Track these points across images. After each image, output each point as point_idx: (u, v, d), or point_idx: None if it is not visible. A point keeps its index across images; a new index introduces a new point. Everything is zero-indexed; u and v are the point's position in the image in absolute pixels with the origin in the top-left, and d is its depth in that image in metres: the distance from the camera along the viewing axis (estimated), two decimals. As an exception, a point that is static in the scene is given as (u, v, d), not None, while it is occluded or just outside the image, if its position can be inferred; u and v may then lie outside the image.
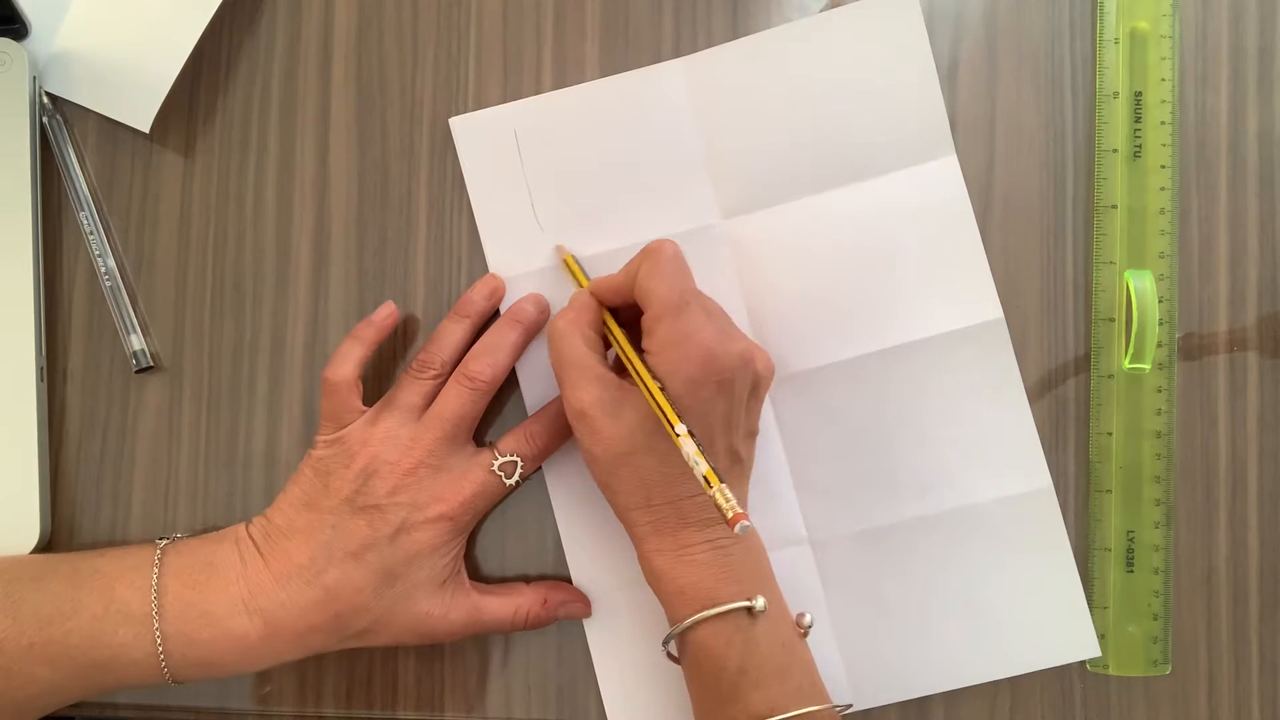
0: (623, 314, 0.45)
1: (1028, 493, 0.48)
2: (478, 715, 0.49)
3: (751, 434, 0.44)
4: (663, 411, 0.40)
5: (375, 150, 0.50)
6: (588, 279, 0.47)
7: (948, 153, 0.49)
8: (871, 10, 0.49)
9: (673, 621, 0.42)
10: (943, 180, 0.49)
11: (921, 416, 0.48)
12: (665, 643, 0.43)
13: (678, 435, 0.39)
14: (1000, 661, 0.48)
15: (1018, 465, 0.48)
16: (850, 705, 0.46)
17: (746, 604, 0.41)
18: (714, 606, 0.41)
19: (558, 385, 0.43)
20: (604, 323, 0.45)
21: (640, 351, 0.43)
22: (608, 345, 0.45)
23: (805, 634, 0.43)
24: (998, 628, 0.48)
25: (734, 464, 0.43)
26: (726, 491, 0.37)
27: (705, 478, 0.38)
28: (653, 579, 0.43)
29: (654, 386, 0.41)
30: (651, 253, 0.43)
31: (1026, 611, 0.48)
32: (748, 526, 0.37)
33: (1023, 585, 0.48)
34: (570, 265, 0.48)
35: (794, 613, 0.43)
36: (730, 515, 0.37)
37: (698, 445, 0.39)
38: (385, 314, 0.47)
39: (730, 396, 0.42)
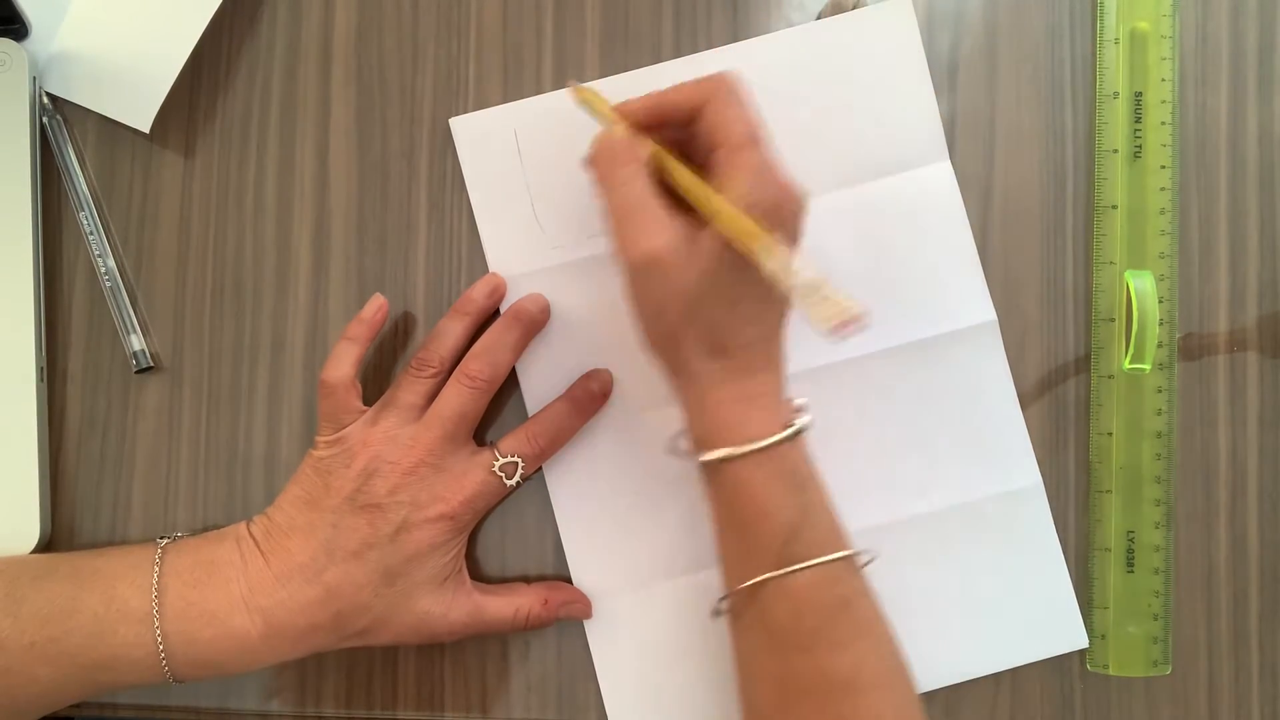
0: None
1: (1019, 489, 0.48)
2: (477, 715, 0.49)
3: None
4: (746, 232, 0.38)
5: (375, 150, 0.50)
6: (613, 114, 0.43)
7: (942, 158, 0.49)
8: (868, 16, 0.49)
9: (721, 473, 0.40)
10: (937, 185, 0.49)
11: (917, 417, 0.48)
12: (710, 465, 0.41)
13: (767, 251, 0.37)
14: (993, 656, 0.48)
15: (1009, 463, 0.49)
16: (874, 557, 0.43)
17: (792, 429, 0.40)
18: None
19: (613, 233, 0.40)
20: (655, 156, 0.42)
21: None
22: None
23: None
24: (990, 622, 0.48)
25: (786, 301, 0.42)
26: (836, 290, 0.36)
27: (810, 284, 0.36)
28: (717, 432, 0.40)
29: (734, 210, 0.38)
30: (723, 80, 0.41)
31: (1018, 606, 0.48)
32: (864, 312, 0.36)
33: (1014, 580, 0.48)
34: (590, 98, 0.44)
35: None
36: (855, 311, 0.35)
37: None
38: (375, 309, 0.47)
39: (796, 235, 0.41)
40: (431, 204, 0.50)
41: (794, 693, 0.40)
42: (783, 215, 0.40)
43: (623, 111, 0.43)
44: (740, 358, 0.40)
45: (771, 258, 0.37)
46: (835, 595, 0.40)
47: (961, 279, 0.49)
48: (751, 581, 0.40)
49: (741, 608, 0.41)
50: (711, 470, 0.41)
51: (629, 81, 0.49)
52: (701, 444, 0.41)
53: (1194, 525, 0.49)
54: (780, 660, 0.40)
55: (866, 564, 0.42)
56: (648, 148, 0.42)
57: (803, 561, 0.39)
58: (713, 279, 0.39)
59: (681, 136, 0.43)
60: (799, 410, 0.42)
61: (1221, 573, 0.49)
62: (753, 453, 0.39)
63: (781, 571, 0.39)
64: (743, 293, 0.40)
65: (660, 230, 0.39)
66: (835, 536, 0.41)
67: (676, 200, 0.41)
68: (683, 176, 0.41)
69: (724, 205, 0.39)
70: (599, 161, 0.42)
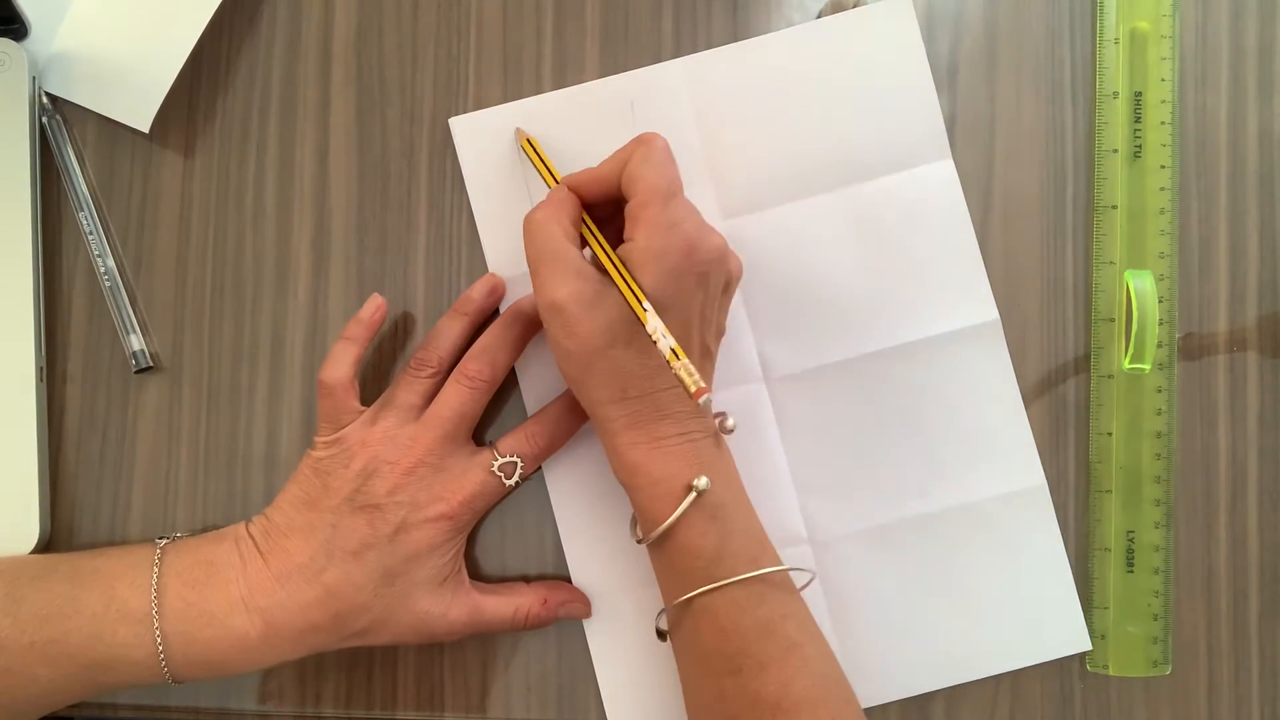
0: (596, 211, 0.45)
1: (1023, 490, 0.48)
2: (477, 715, 0.49)
3: (720, 332, 0.45)
4: (632, 291, 0.40)
5: (375, 150, 0.50)
6: (555, 172, 0.47)
7: (944, 156, 0.49)
8: (868, 16, 0.49)
9: (648, 513, 0.42)
10: (939, 183, 0.49)
11: (920, 416, 0.48)
12: (642, 540, 0.43)
13: (645, 310, 0.40)
14: (996, 657, 0.48)
15: (1013, 463, 0.48)
16: (813, 577, 0.46)
17: (694, 484, 0.41)
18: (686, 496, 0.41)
19: (531, 280, 0.43)
20: (582, 219, 0.44)
21: (615, 246, 0.43)
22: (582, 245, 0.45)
23: (729, 433, 0.44)
24: (993, 624, 0.48)
25: (705, 359, 0.44)
26: (690, 366, 0.38)
27: (673, 350, 0.39)
28: (627, 473, 0.43)
29: (625, 272, 0.41)
30: (644, 142, 0.43)
31: (1021, 607, 0.48)
32: (710, 399, 0.38)
33: (1017, 581, 0.48)
34: (532, 152, 0.47)
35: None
36: (694, 389, 0.38)
37: (664, 324, 0.40)
38: (373, 309, 0.47)
39: (706, 289, 0.42)
40: (431, 204, 0.50)
41: (727, 715, 0.41)
42: (694, 263, 0.41)
43: (572, 179, 0.45)
44: (643, 405, 0.42)
45: (647, 321, 0.40)
46: (757, 618, 0.41)
47: (963, 278, 0.49)
48: (677, 601, 0.42)
49: (673, 629, 0.43)
50: (640, 509, 0.43)
51: (629, 81, 0.49)
52: (621, 480, 0.43)
53: (1194, 525, 0.49)
54: (712, 682, 0.41)
55: (805, 586, 0.44)
56: (576, 207, 0.44)
57: (720, 581, 0.41)
58: (615, 332, 0.41)
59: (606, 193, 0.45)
60: (722, 420, 0.44)
61: (1221, 573, 0.49)
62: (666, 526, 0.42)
63: (699, 591, 0.41)
64: (646, 347, 0.41)
65: (566, 280, 0.41)
66: (756, 558, 0.42)
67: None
68: (590, 238, 0.44)
69: (617, 267, 0.41)
70: (531, 212, 0.43)
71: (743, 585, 0.41)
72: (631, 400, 0.42)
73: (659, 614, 0.44)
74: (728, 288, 0.44)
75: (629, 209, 0.42)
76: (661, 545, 0.42)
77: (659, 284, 0.41)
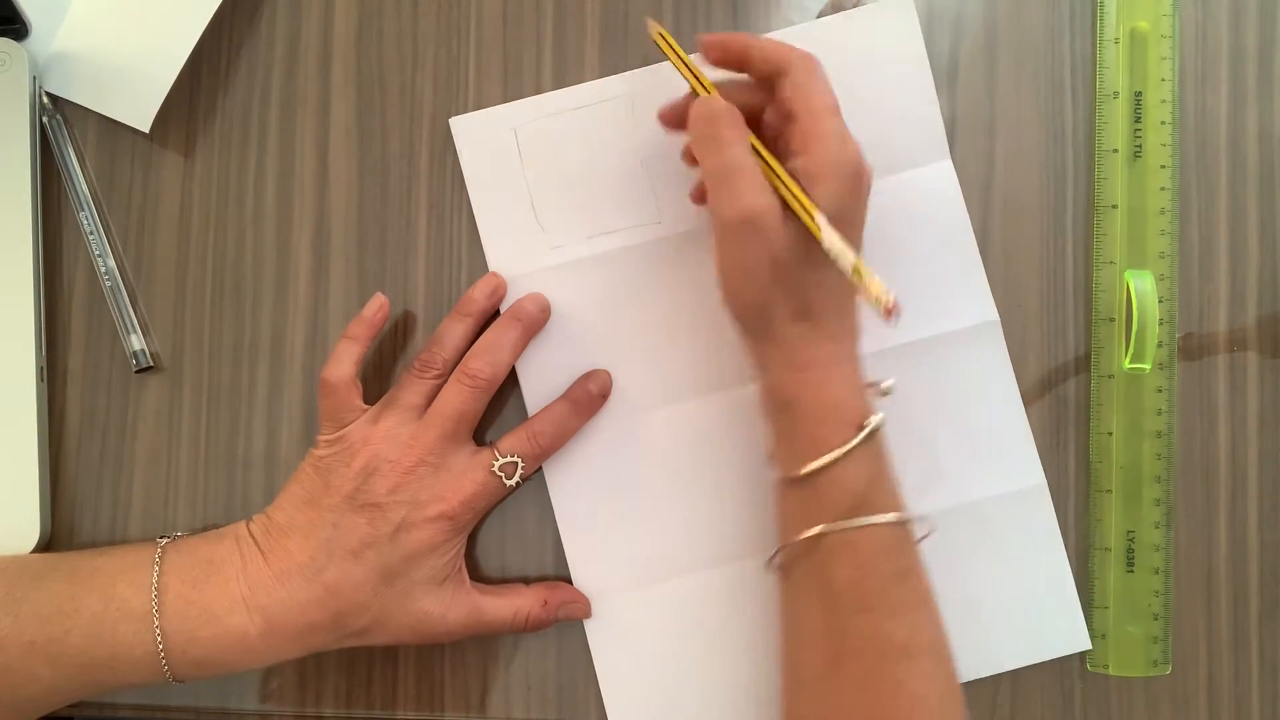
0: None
1: (1022, 490, 0.48)
2: (477, 715, 0.49)
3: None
4: (802, 206, 0.40)
5: (375, 150, 0.50)
6: (704, 78, 0.44)
7: (943, 157, 0.49)
8: (868, 16, 0.49)
9: (810, 439, 0.41)
10: (939, 184, 0.49)
11: (919, 416, 0.48)
12: (790, 475, 0.42)
13: (820, 225, 0.39)
14: (995, 657, 0.48)
15: (1013, 463, 0.48)
16: (931, 530, 0.44)
17: (869, 421, 0.41)
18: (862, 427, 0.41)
19: (711, 192, 0.41)
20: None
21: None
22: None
23: (886, 394, 0.43)
24: (992, 623, 0.48)
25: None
26: (879, 281, 0.38)
27: (855, 267, 0.39)
28: (792, 397, 0.42)
29: (796, 187, 0.41)
30: (809, 55, 0.42)
31: (1020, 607, 0.48)
32: (900, 315, 0.38)
33: (1017, 581, 0.48)
34: (671, 51, 0.45)
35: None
36: (887, 302, 0.38)
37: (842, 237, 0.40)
38: (375, 308, 0.47)
39: (865, 201, 0.42)
40: (431, 204, 0.50)
41: (845, 654, 0.40)
42: (861, 184, 0.41)
43: (707, 41, 0.44)
44: (824, 323, 0.42)
45: (825, 234, 0.40)
46: (897, 564, 0.41)
47: (963, 278, 0.49)
48: (812, 531, 0.41)
49: (795, 563, 0.42)
50: (785, 432, 0.42)
51: (629, 81, 0.49)
52: (783, 403, 0.42)
53: (1194, 525, 0.49)
54: (834, 620, 0.41)
55: (923, 538, 0.43)
56: (743, 121, 0.43)
57: (868, 517, 0.40)
58: (802, 246, 0.40)
59: (749, 102, 0.44)
60: (875, 386, 0.43)
61: (1221, 573, 0.49)
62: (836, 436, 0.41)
63: (843, 525, 0.40)
64: (824, 263, 0.41)
65: (761, 191, 0.40)
66: (901, 503, 0.42)
67: None
68: (761, 151, 0.42)
69: (785, 183, 0.41)
70: (701, 123, 0.42)
71: (890, 528, 0.41)
72: (810, 319, 0.41)
73: (777, 550, 0.43)
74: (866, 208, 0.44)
75: (802, 122, 0.41)
76: (810, 475, 0.41)
77: (834, 200, 0.40)
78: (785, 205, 0.41)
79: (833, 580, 0.41)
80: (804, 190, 0.41)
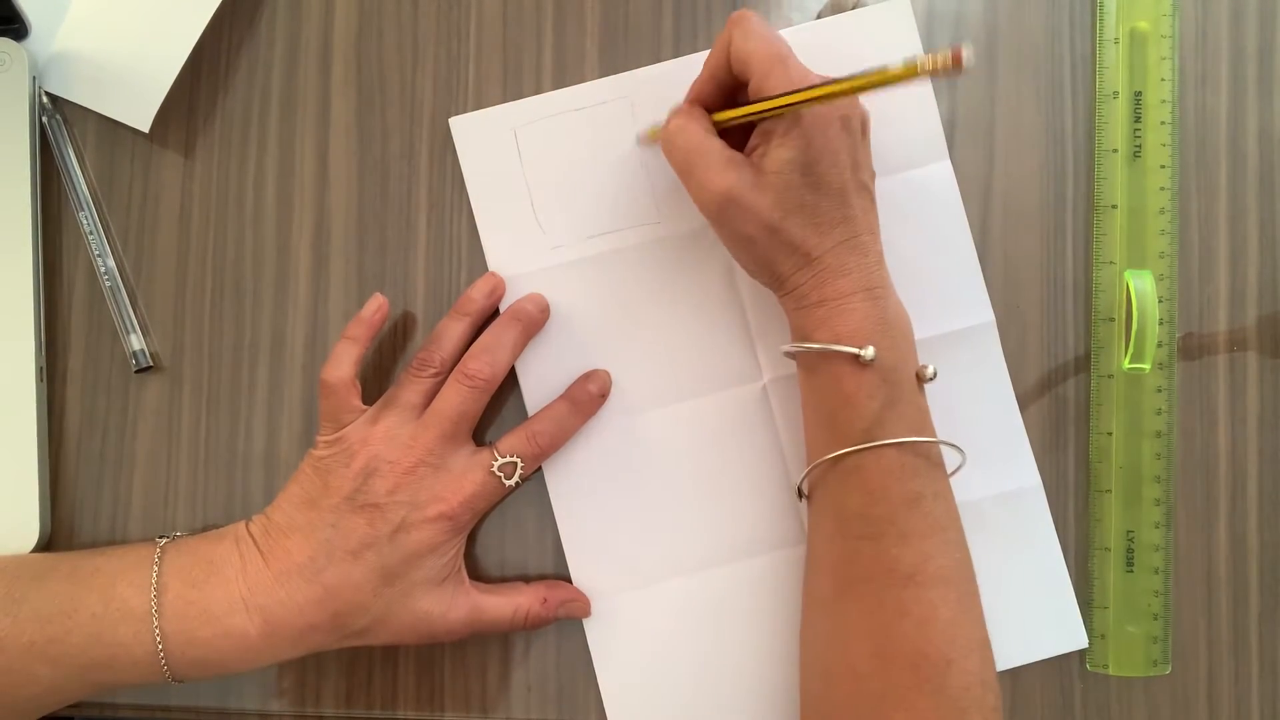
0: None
1: (1018, 489, 0.48)
2: (477, 715, 0.49)
3: (872, 174, 0.45)
4: (785, 101, 0.41)
5: (375, 150, 0.50)
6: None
7: (942, 158, 0.49)
8: (867, 16, 0.49)
9: (826, 381, 0.42)
10: (937, 185, 0.49)
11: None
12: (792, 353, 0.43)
13: (848, 81, 0.39)
14: (996, 656, 0.48)
15: (1008, 463, 0.49)
16: (964, 461, 0.44)
17: (856, 350, 0.41)
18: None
19: (687, 185, 0.43)
20: (712, 122, 0.45)
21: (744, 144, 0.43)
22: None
23: (929, 380, 0.43)
24: (990, 623, 0.48)
25: (866, 197, 0.44)
26: (924, 56, 0.37)
27: (905, 65, 0.37)
28: (812, 329, 0.43)
29: (772, 102, 0.41)
30: (738, 20, 0.43)
31: (1017, 606, 0.48)
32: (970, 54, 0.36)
33: (1013, 580, 0.48)
34: (654, 131, 0.47)
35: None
36: (946, 58, 0.36)
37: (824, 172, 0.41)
38: (374, 308, 0.47)
39: (850, 132, 0.43)
40: (431, 204, 0.50)
41: (852, 579, 0.41)
42: (834, 118, 0.42)
43: (691, 92, 0.45)
44: (829, 261, 0.42)
45: (874, 74, 0.39)
46: (908, 489, 0.41)
47: (960, 279, 0.49)
48: (827, 457, 0.42)
49: (817, 488, 0.43)
50: (808, 365, 0.43)
51: (628, 82, 0.49)
52: (804, 341, 0.43)
53: (1194, 525, 0.49)
54: (847, 544, 0.41)
55: (955, 470, 0.43)
56: (704, 113, 0.44)
57: (874, 442, 0.41)
58: (785, 199, 0.42)
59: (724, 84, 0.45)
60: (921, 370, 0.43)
61: (1221, 573, 0.49)
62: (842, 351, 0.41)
63: (853, 448, 0.41)
64: (816, 201, 0.42)
65: (726, 170, 0.42)
66: (918, 428, 0.42)
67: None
68: (734, 115, 0.43)
69: (766, 104, 0.41)
70: (665, 125, 0.44)
71: (898, 451, 0.41)
72: (815, 260, 0.42)
73: (802, 478, 0.44)
74: (864, 129, 0.44)
75: (752, 87, 0.42)
76: (824, 405, 0.42)
77: (808, 140, 0.41)
78: (755, 168, 0.42)
79: (844, 506, 0.42)
80: (781, 137, 0.41)
